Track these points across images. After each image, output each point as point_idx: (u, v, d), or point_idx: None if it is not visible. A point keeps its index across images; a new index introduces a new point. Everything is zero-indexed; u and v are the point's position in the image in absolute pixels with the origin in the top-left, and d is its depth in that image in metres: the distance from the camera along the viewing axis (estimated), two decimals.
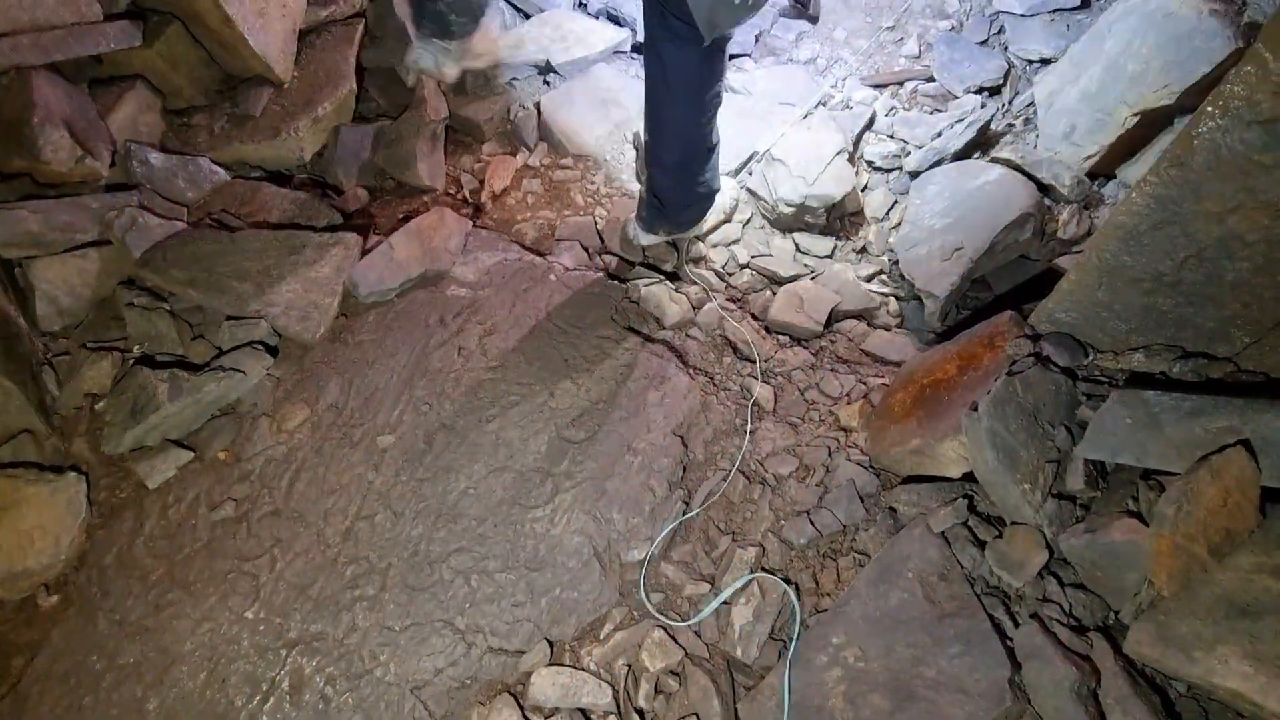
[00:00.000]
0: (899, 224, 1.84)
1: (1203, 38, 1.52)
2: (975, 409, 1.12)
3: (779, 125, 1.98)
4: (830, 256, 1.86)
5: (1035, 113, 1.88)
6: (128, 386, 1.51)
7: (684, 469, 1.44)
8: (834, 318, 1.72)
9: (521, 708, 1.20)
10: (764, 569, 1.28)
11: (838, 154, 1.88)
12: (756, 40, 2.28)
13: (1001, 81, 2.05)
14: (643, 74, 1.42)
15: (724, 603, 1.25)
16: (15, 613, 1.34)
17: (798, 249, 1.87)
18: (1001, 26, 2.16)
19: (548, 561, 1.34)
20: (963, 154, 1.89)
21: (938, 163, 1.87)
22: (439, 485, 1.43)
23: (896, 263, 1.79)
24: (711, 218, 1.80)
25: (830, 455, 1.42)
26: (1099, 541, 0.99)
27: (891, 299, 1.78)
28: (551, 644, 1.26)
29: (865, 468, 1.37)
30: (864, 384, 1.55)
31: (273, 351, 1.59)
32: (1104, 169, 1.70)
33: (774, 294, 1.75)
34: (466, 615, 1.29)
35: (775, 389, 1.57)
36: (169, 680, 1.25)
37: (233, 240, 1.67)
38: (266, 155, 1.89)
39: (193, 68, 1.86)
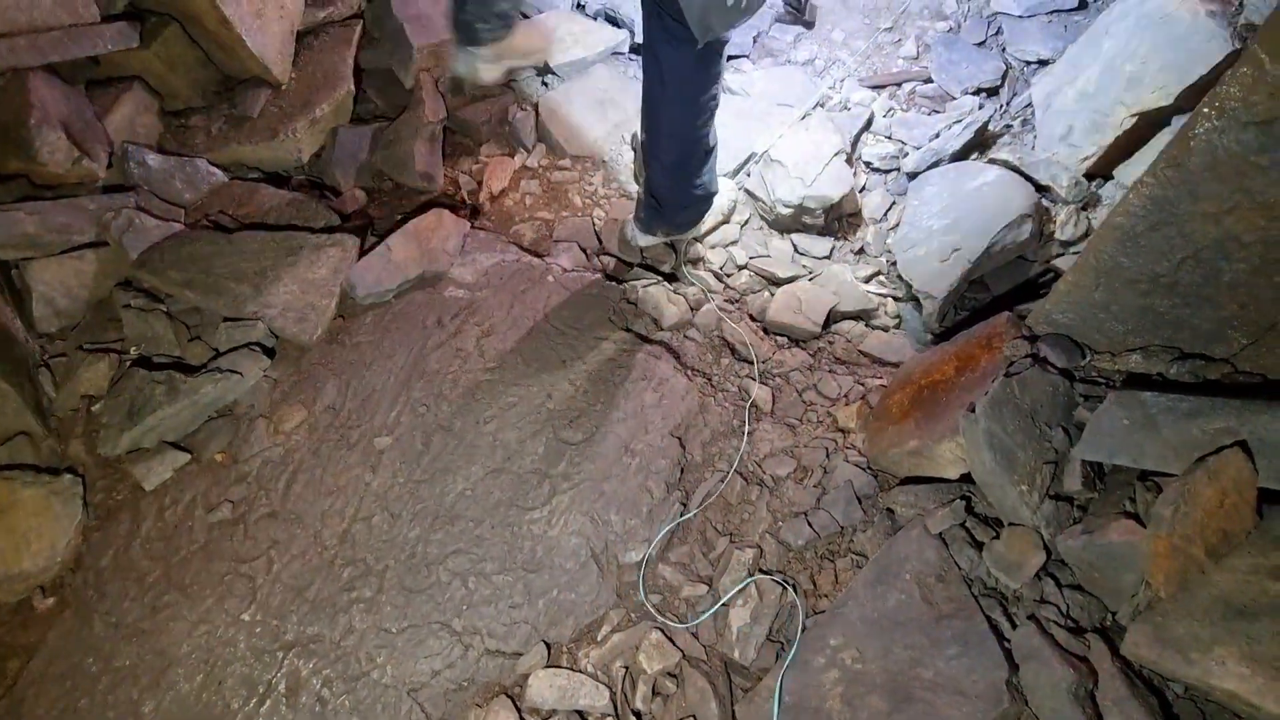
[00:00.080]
0: (897, 225, 1.84)
1: (1200, 39, 1.52)
2: (973, 410, 1.12)
3: (777, 126, 1.98)
4: (828, 257, 1.86)
5: (1033, 114, 1.88)
6: (125, 388, 1.50)
7: (682, 470, 1.44)
8: (832, 319, 1.72)
9: (519, 710, 1.20)
10: (762, 570, 1.28)
11: (836, 155, 1.88)
12: (754, 41, 2.28)
13: (999, 83, 2.05)
14: (641, 75, 1.43)
15: (722, 605, 1.25)
16: (11, 615, 1.34)
17: (796, 250, 1.87)
18: (999, 28, 2.16)
19: (545, 563, 1.33)
20: (960, 155, 1.89)
21: (936, 164, 1.87)
22: (436, 487, 1.42)
23: (894, 264, 1.79)
24: (710, 219, 1.80)
25: (828, 456, 1.42)
26: (1096, 543, 0.99)
27: (889, 300, 1.78)
28: (549, 646, 1.26)
29: (863, 469, 1.37)
30: (862, 385, 1.55)
31: (270, 353, 1.59)
32: (1102, 170, 1.70)
33: (772, 295, 1.75)
34: (464, 617, 1.29)
35: (773, 390, 1.57)
36: (165, 683, 1.25)
37: (230, 242, 1.67)
38: (264, 156, 1.89)
39: (190, 69, 1.86)
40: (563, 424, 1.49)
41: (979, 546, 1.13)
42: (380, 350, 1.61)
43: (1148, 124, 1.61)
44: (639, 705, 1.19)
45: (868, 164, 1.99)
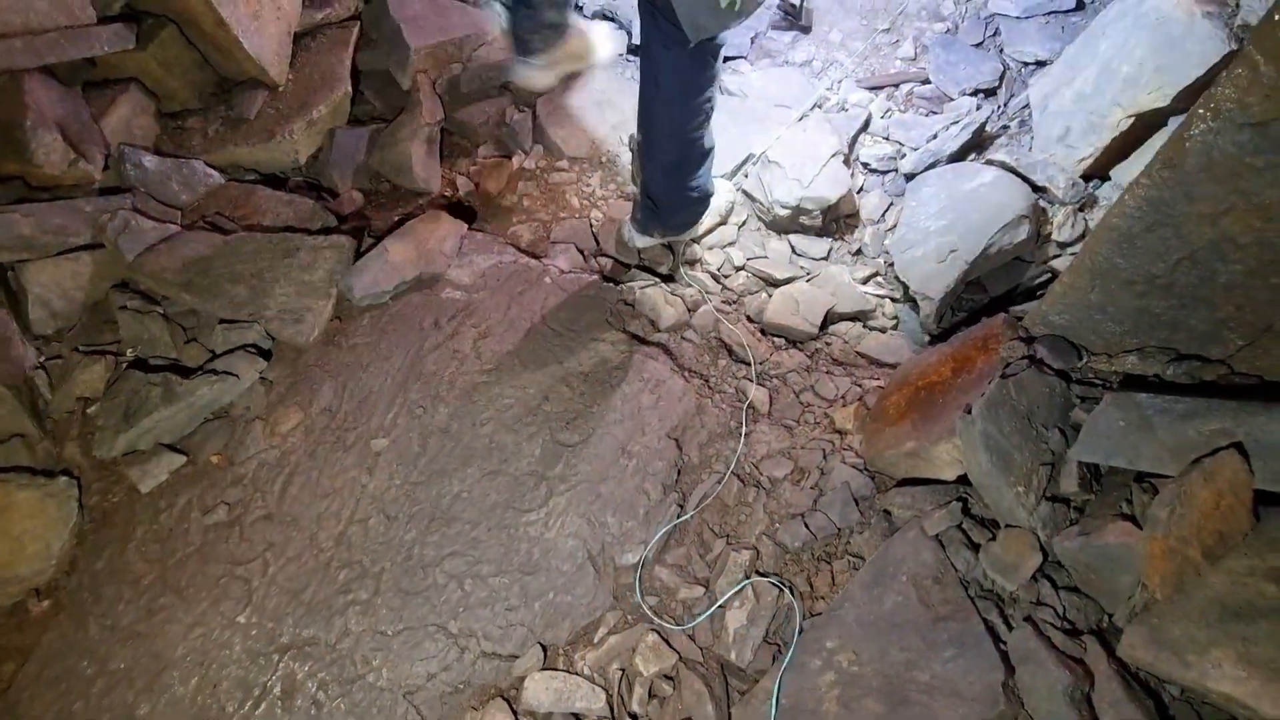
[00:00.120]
0: (894, 226, 1.84)
1: (1196, 40, 1.52)
2: (969, 412, 1.12)
3: (774, 127, 1.98)
4: (826, 258, 1.86)
5: (1030, 115, 1.88)
6: (120, 390, 1.50)
7: (679, 472, 1.44)
8: (829, 320, 1.72)
9: (515, 712, 1.19)
10: (758, 572, 1.27)
11: (833, 156, 1.88)
12: (752, 42, 2.28)
13: (997, 84, 2.05)
14: (638, 76, 1.42)
15: (719, 607, 1.25)
16: (6, 618, 1.34)
17: (793, 251, 1.87)
18: (997, 29, 2.16)
19: (541, 565, 1.33)
20: (958, 156, 1.89)
21: (933, 165, 1.87)
22: (433, 489, 1.42)
23: (892, 265, 1.79)
24: (707, 220, 1.80)
25: (825, 458, 1.42)
26: (1092, 544, 0.99)
27: (887, 301, 1.78)
28: (545, 648, 1.26)
29: (860, 470, 1.37)
30: (859, 386, 1.55)
31: (266, 355, 1.59)
32: (1098, 171, 1.70)
33: (769, 296, 1.75)
34: (460, 619, 1.28)
35: (770, 391, 1.56)
36: (160, 686, 1.24)
37: (226, 243, 1.66)
38: (261, 158, 1.89)
39: (187, 71, 1.86)
40: (559, 426, 1.49)
41: (976, 548, 1.13)
42: (377, 352, 1.61)
43: (1144, 125, 1.61)
44: (635, 707, 1.18)
45: (865, 165, 1.99)
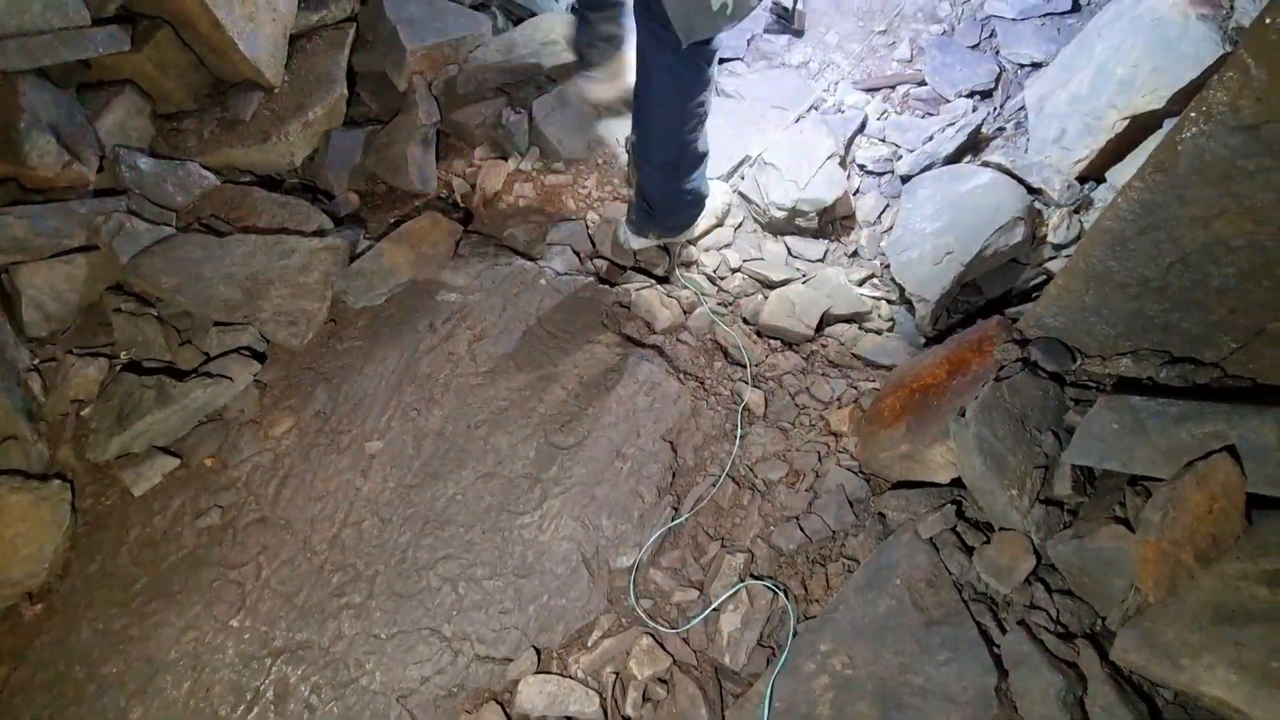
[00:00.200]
0: (890, 228, 1.84)
1: (1191, 42, 1.52)
2: (963, 414, 1.12)
3: (771, 129, 1.98)
4: (822, 260, 1.86)
5: (1026, 116, 1.88)
6: (114, 393, 1.50)
7: (673, 475, 1.44)
8: (825, 322, 1.71)
9: (508, 716, 1.19)
10: (753, 575, 1.27)
11: (829, 158, 1.88)
12: (749, 44, 2.28)
13: (993, 85, 2.05)
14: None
15: (713, 610, 1.24)
16: None
17: (789, 253, 1.87)
18: (993, 30, 2.16)
19: (536, 568, 1.33)
20: (954, 158, 1.89)
21: (929, 166, 1.87)
22: (427, 492, 1.42)
23: (888, 267, 1.78)
24: (703, 221, 1.80)
25: (820, 460, 1.41)
26: (1086, 547, 0.98)
27: (883, 303, 1.77)
28: (539, 651, 1.25)
29: (855, 473, 1.37)
30: (855, 388, 1.55)
31: (260, 357, 1.59)
32: (1094, 172, 1.70)
33: (765, 298, 1.75)
34: (453, 623, 1.28)
35: (766, 394, 1.56)
36: (152, 690, 1.24)
37: (221, 245, 1.66)
38: (256, 160, 1.89)
39: (182, 72, 1.86)
40: (554, 428, 1.48)
41: (969, 551, 1.12)
42: (371, 354, 1.60)
43: (1139, 127, 1.61)
44: (629, 711, 1.18)
45: (861, 166, 1.99)
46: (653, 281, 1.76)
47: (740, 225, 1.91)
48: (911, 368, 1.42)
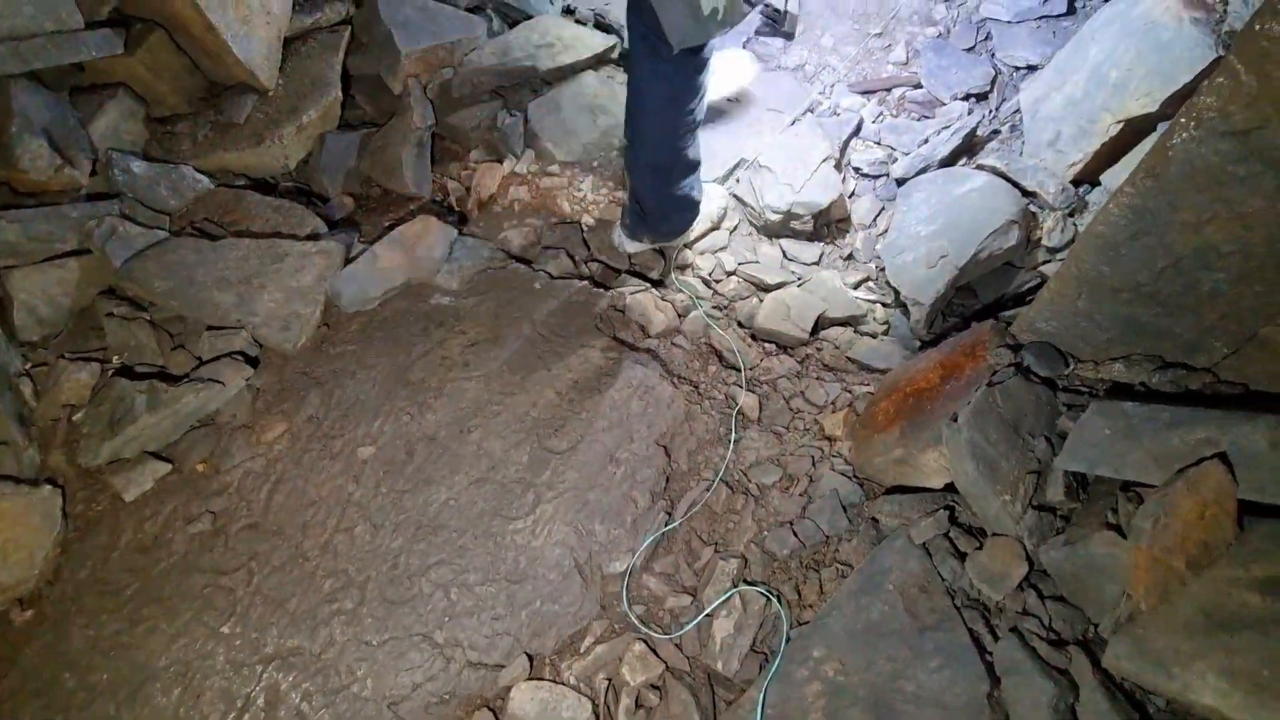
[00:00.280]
0: (885, 231, 1.84)
1: (1184, 46, 1.52)
2: (955, 419, 1.12)
3: (766, 132, 1.98)
4: (817, 263, 1.86)
5: (1021, 120, 1.88)
6: (106, 397, 1.49)
7: (667, 479, 1.43)
8: (820, 325, 1.71)
9: None
10: (746, 581, 1.27)
11: (825, 161, 1.88)
12: (744, 47, 2.28)
13: (988, 88, 2.05)
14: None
15: (706, 615, 1.24)
16: None
17: (785, 256, 1.87)
18: (988, 33, 2.17)
19: (528, 574, 1.32)
20: (949, 160, 1.89)
21: (924, 169, 1.87)
22: (419, 497, 1.41)
23: (883, 270, 1.78)
24: (699, 225, 1.80)
25: (814, 465, 1.41)
26: (1078, 554, 0.98)
27: (878, 306, 1.77)
28: (531, 658, 1.25)
29: (849, 477, 1.36)
30: (849, 392, 1.54)
31: (253, 362, 1.58)
32: (1088, 176, 1.70)
33: (760, 301, 1.75)
34: (445, 629, 1.28)
35: (760, 397, 1.56)
36: (143, 697, 1.23)
37: (215, 249, 1.66)
38: (250, 163, 1.88)
39: (176, 75, 1.85)
40: (547, 433, 1.48)
41: (962, 557, 1.12)
42: (364, 359, 1.60)
43: (1133, 131, 1.60)
44: (622, 717, 1.18)
45: (857, 169, 1.99)
46: (647, 285, 1.76)
47: (735, 228, 1.90)
48: (905, 372, 1.42)
